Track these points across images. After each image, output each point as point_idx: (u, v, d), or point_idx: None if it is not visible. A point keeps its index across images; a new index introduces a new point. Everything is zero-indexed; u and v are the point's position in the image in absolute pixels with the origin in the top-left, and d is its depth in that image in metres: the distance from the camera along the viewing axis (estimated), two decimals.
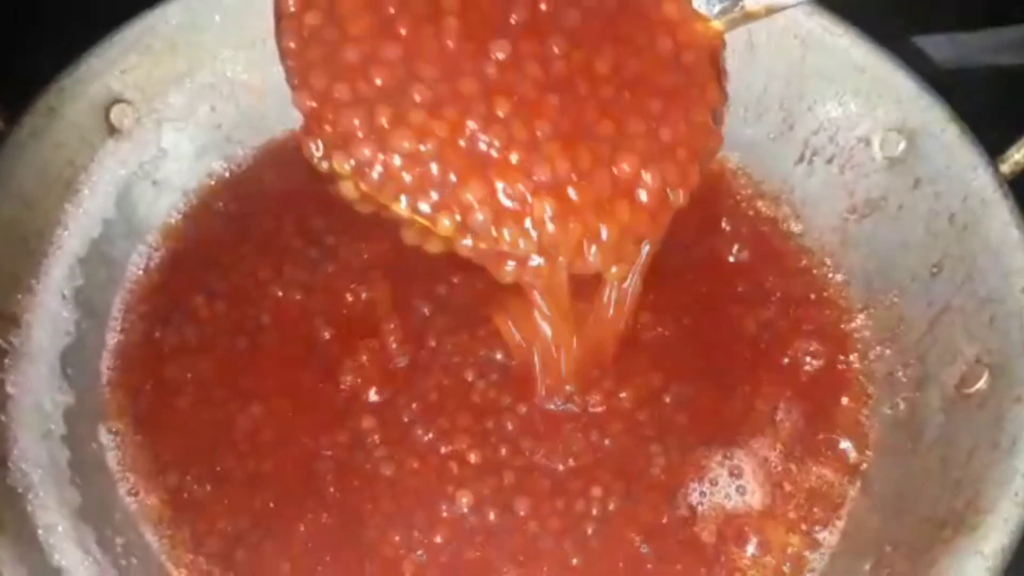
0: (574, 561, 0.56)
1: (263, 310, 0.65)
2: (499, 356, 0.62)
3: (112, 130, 0.66)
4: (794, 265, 0.69)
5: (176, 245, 0.69)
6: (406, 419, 0.60)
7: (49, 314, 0.58)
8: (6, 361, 0.53)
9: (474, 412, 0.60)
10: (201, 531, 0.56)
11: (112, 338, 0.63)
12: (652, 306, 0.64)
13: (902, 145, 0.66)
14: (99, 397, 0.60)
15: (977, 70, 0.86)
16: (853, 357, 0.65)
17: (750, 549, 0.56)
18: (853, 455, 0.60)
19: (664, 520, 0.57)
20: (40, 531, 0.46)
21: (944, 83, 0.66)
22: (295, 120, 0.75)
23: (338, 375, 0.62)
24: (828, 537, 0.57)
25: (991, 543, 0.45)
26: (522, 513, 0.57)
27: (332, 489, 0.58)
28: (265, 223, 0.70)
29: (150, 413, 0.60)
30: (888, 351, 0.64)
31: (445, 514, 0.57)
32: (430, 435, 0.60)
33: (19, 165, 0.59)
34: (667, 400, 0.61)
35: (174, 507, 0.57)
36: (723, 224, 0.71)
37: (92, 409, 0.59)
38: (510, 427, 0.60)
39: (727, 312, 0.66)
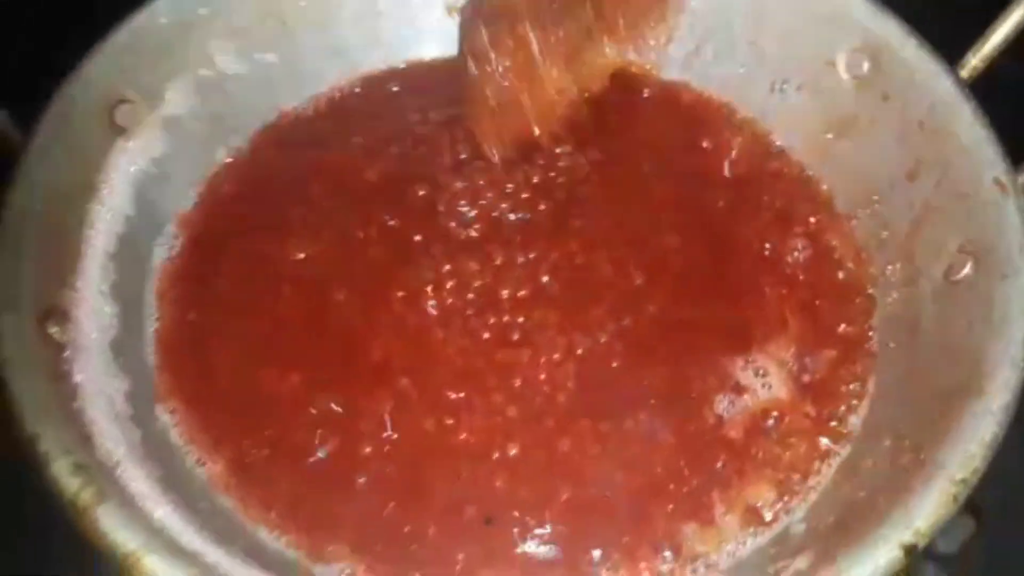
0: (617, 476, 0.60)
1: (281, 281, 0.68)
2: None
3: (119, 130, 0.68)
4: (780, 179, 0.74)
5: (193, 232, 0.71)
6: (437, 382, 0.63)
7: (93, 309, 0.61)
8: (67, 354, 0.56)
9: (500, 375, 0.64)
10: (265, 493, 0.59)
11: (150, 325, 0.66)
12: (650, 227, 0.70)
13: (866, 64, 0.71)
14: (150, 381, 0.62)
15: None
16: (847, 261, 0.70)
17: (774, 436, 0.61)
18: (860, 351, 0.65)
19: (693, 428, 0.61)
20: (136, 498, 0.49)
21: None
22: (285, 102, 0.79)
23: (360, 334, 0.65)
24: (850, 424, 0.62)
25: (997, 401, 0.51)
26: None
27: (378, 445, 0.61)
28: (268, 200, 0.73)
29: (197, 391, 0.63)
30: (877, 253, 0.69)
31: (496, 455, 0.60)
32: (461, 394, 0.63)
33: (44, 171, 0.61)
34: (680, 317, 0.66)
35: (237, 474, 0.59)
36: (705, 144, 0.76)
37: (147, 392, 0.61)
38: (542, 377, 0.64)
39: (723, 225, 0.71)
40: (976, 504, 0.62)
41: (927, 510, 0.47)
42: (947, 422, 0.52)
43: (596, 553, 0.57)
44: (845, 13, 0.72)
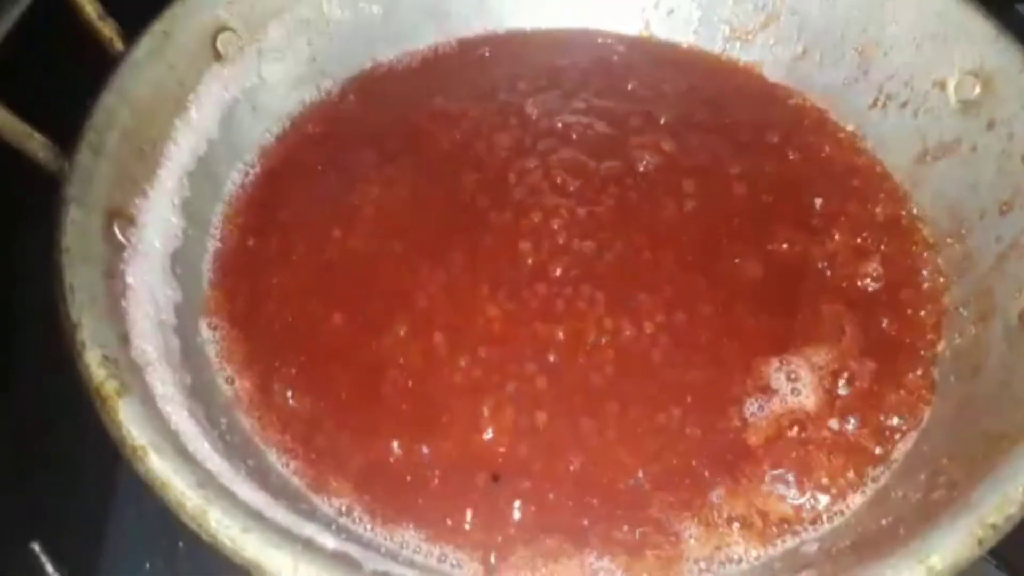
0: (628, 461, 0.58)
1: (342, 224, 0.69)
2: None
3: (218, 56, 0.70)
4: (867, 198, 0.71)
5: (270, 164, 0.73)
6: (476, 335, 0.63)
7: (161, 219, 0.63)
8: (125, 255, 0.58)
9: (537, 345, 0.63)
10: (285, 414, 0.60)
11: (212, 245, 0.68)
12: (722, 230, 0.69)
13: (977, 89, 0.68)
14: (201, 296, 0.64)
15: None
16: (921, 291, 0.66)
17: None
18: (919, 381, 0.61)
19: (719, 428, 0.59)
20: (158, 399, 0.51)
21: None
22: (380, 53, 0.80)
23: (408, 285, 0.66)
24: (894, 454, 0.59)
25: None
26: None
27: (401, 392, 0.61)
28: (347, 145, 0.74)
29: (243, 312, 0.65)
30: (955, 285, 0.65)
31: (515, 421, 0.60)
32: (494, 355, 0.63)
33: (136, 81, 0.64)
34: (733, 322, 0.64)
35: (262, 392, 0.61)
36: (793, 153, 0.74)
37: (195, 306, 0.63)
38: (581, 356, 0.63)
39: (798, 238, 0.68)
40: (1016, 567, 0.58)
41: (947, 547, 0.44)
42: (990, 463, 0.48)
43: (594, 538, 0.55)
44: (964, 33, 0.69)
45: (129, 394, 0.48)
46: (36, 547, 0.63)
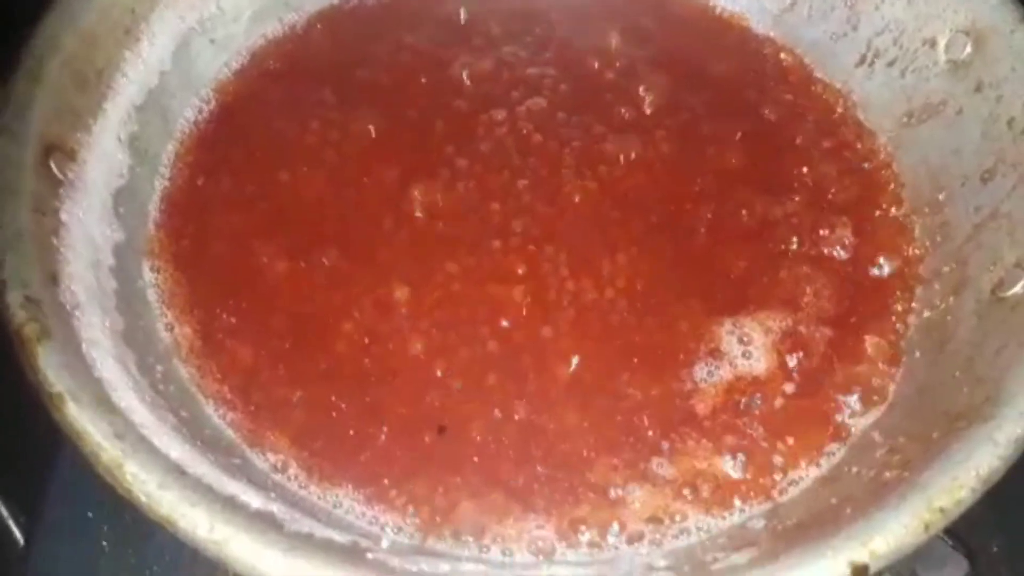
0: (585, 424, 0.57)
1: (295, 165, 0.66)
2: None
3: None
4: (846, 158, 0.68)
5: (226, 100, 0.70)
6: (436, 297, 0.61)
7: (105, 154, 0.60)
8: (61, 191, 0.55)
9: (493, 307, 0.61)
10: (225, 363, 0.58)
11: (160, 183, 0.65)
12: (695, 185, 0.66)
13: (968, 48, 0.64)
14: (146, 236, 0.62)
15: None
16: (895, 259, 0.64)
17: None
18: (884, 354, 0.59)
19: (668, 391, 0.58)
20: (84, 344, 0.48)
21: None
22: None
23: (364, 232, 0.63)
24: (855, 428, 0.57)
25: (1005, 432, 0.45)
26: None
27: (350, 347, 0.59)
28: (306, 84, 0.71)
29: (189, 254, 0.62)
30: (929, 256, 0.63)
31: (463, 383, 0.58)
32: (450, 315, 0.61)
33: (84, 4, 0.60)
34: (697, 283, 0.62)
35: (203, 339, 0.59)
36: (771, 109, 0.71)
37: (139, 247, 0.61)
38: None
39: (769, 197, 0.66)
40: (972, 548, 0.57)
41: (891, 531, 0.42)
42: (944, 444, 0.46)
43: (538, 499, 0.54)
44: None
45: (50, 339, 0.46)
46: None
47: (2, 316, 0.47)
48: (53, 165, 0.56)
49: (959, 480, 0.44)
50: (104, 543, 0.63)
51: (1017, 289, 0.54)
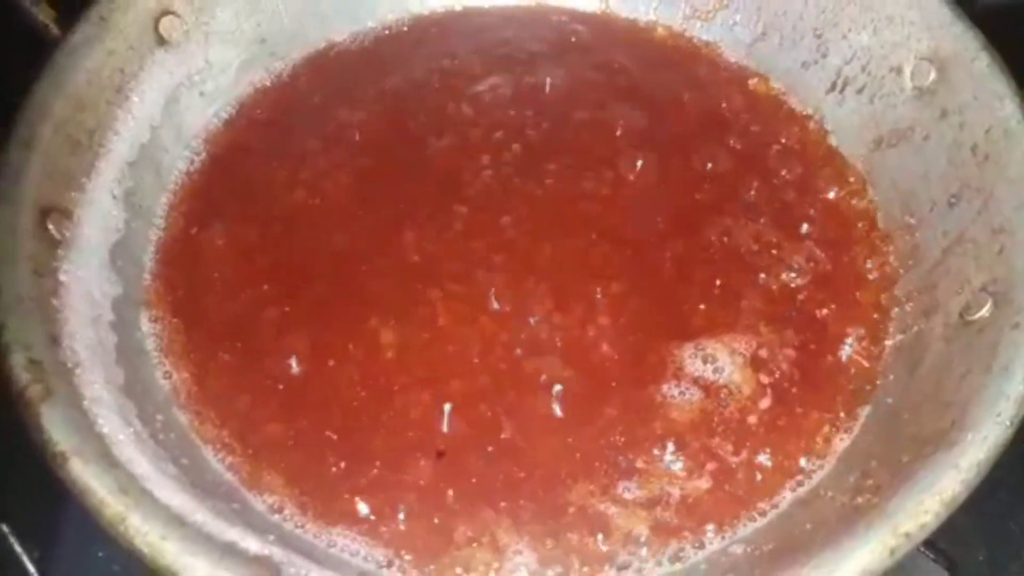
0: (577, 435, 0.59)
1: (285, 213, 0.69)
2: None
3: (161, 41, 0.69)
4: (821, 184, 0.71)
5: (216, 151, 0.73)
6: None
7: (100, 212, 0.62)
8: (59, 252, 0.57)
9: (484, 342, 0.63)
10: (222, 407, 0.60)
11: (155, 234, 0.67)
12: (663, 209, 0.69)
13: (932, 74, 0.66)
14: (142, 287, 0.64)
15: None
16: (870, 283, 0.66)
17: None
18: (860, 376, 0.61)
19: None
20: (86, 402, 0.51)
21: (986, 21, 0.66)
22: (333, 33, 0.79)
23: (351, 278, 0.65)
24: (829, 451, 0.59)
25: (967, 458, 0.47)
26: None
27: (337, 390, 0.61)
28: (295, 131, 0.74)
29: (185, 302, 0.64)
30: (902, 279, 0.65)
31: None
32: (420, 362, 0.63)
33: (72, 70, 0.63)
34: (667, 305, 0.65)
35: (200, 384, 0.61)
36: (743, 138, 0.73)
37: (136, 298, 0.63)
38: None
39: (742, 219, 0.68)
40: (953, 559, 0.59)
41: (858, 558, 0.44)
42: (912, 469, 0.48)
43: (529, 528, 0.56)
44: (921, 17, 0.67)
45: (52, 398, 0.48)
46: (4, 527, 0.64)
47: (5, 377, 0.49)
48: (51, 226, 0.58)
49: (924, 505, 0.45)
50: None
51: (983, 313, 0.55)
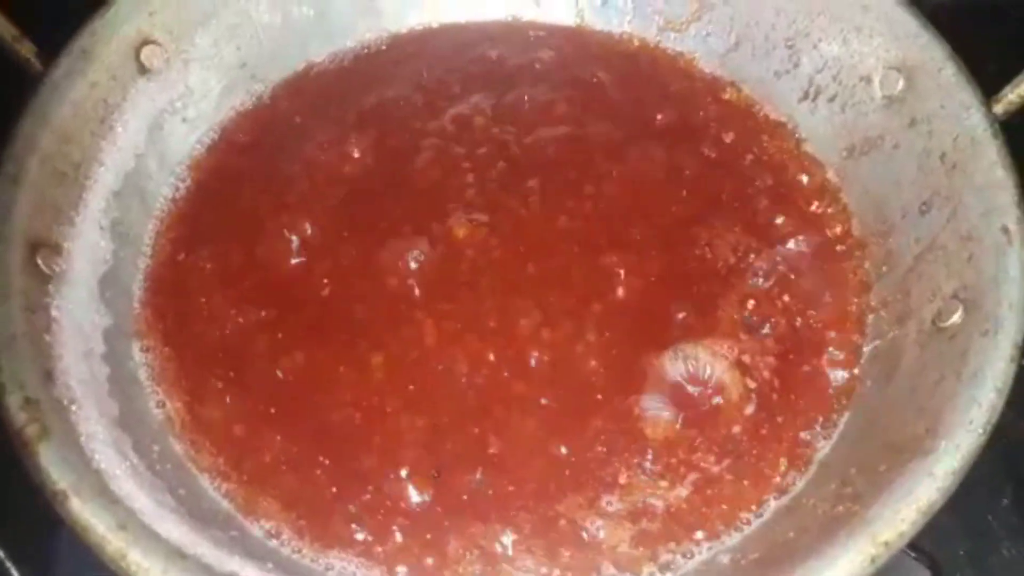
0: (563, 449, 0.61)
1: (270, 236, 0.69)
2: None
3: (143, 70, 0.70)
4: (794, 191, 0.72)
5: (201, 176, 0.73)
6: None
7: (88, 244, 0.63)
8: (50, 287, 0.58)
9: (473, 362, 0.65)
10: (216, 435, 0.61)
11: (143, 263, 0.68)
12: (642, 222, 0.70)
13: (900, 84, 0.68)
14: (133, 316, 0.65)
15: (977, 5, 0.87)
16: (848, 290, 0.67)
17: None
18: (836, 386, 0.63)
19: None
20: (83, 438, 0.52)
21: (943, 20, 0.67)
22: (312, 53, 0.79)
23: (337, 300, 0.67)
24: (811, 460, 0.60)
25: (942, 466, 0.48)
26: None
27: (327, 413, 0.63)
28: (277, 153, 0.74)
29: (175, 330, 0.65)
30: (876, 285, 0.66)
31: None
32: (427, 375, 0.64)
33: (56, 103, 0.63)
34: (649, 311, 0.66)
35: (193, 413, 0.62)
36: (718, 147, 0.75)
37: (127, 328, 0.64)
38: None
39: (717, 223, 0.70)
40: (934, 555, 0.60)
41: (839, 568, 0.46)
42: (889, 477, 0.50)
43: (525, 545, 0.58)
44: (889, 28, 0.69)
45: (49, 438, 0.49)
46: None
47: (2, 417, 0.50)
48: (40, 262, 0.59)
49: (901, 514, 0.47)
50: None
51: (955, 319, 0.57)
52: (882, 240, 0.67)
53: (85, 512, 0.47)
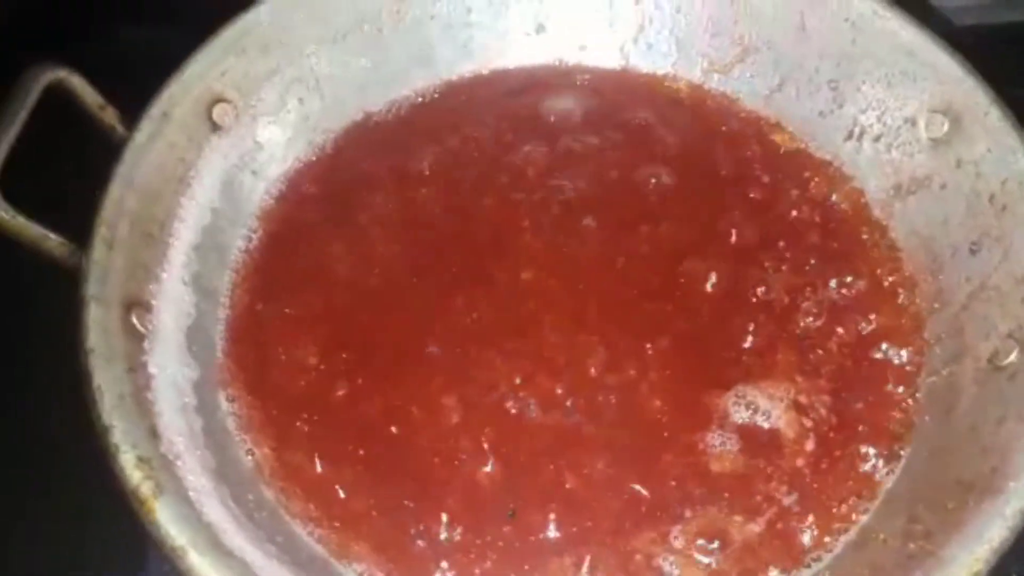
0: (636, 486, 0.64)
1: (341, 285, 0.72)
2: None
3: (215, 127, 0.73)
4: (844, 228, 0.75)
5: (272, 227, 0.76)
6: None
7: (174, 299, 0.66)
8: (145, 345, 0.61)
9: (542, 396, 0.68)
10: (305, 480, 0.64)
11: (223, 313, 0.71)
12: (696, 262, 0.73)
13: (946, 126, 0.70)
14: (217, 367, 0.68)
15: (994, 28, 0.89)
16: (899, 323, 0.70)
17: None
18: (895, 422, 0.65)
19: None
20: (191, 492, 0.54)
21: (964, 42, 0.70)
22: (370, 103, 0.82)
23: (412, 344, 0.69)
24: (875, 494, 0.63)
25: (1012, 506, 0.51)
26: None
27: (408, 455, 0.65)
28: (345, 202, 0.77)
29: (257, 378, 0.68)
30: (930, 321, 0.69)
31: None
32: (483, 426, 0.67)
33: (141, 165, 0.66)
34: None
35: (281, 461, 0.64)
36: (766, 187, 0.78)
37: (212, 379, 0.66)
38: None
39: (767, 261, 0.73)
40: None
41: None
42: (960, 516, 0.53)
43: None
44: (933, 72, 0.71)
45: (164, 494, 0.52)
46: None
47: (118, 478, 0.53)
48: (135, 321, 0.62)
49: (976, 554, 0.50)
50: None
51: (1012, 359, 0.60)
52: (932, 277, 0.70)
53: (204, 566, 0.50)
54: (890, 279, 0.72)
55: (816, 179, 0.78)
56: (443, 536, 0.62)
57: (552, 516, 0.63)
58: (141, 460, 0.53)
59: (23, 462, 0.73)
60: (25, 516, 0.72)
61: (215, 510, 0.55)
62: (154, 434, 0.56)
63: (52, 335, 0.59)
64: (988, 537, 0.50)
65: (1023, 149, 0.65)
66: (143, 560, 0.67)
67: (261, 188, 0.77)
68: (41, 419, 0.72)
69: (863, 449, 0.65)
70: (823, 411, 0.66)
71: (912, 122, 0.73)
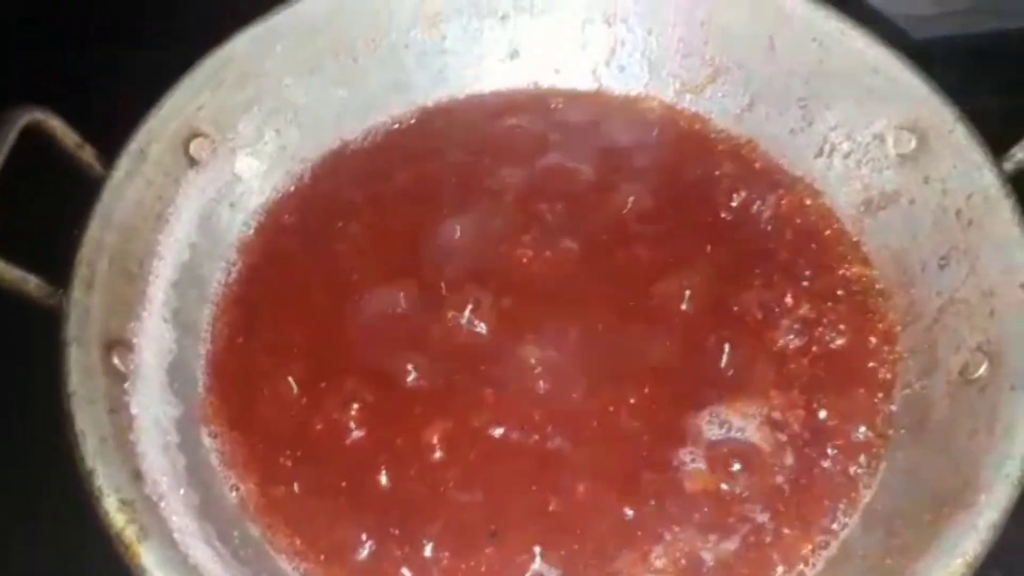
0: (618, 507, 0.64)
1: (322, 314, 0.73)
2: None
3: (192, 162, 0.73)
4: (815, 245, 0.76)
5: (250, 259, 0.77)
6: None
7: (155, 336, 0.66)
8: (127, 385, 0.61)
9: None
10: (289, 514, 0.64)
11: (204, 348, 0.71)
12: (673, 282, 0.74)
13: (913, 143, 0.72)
14: (198, 403, 0.68)
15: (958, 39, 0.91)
16: (871, 336, 0.71)
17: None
18: (871, 436, 0.66)
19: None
20: (176, 534, 0.55)
21: (921, 55, 0.72)
22: (346, 131, 0.83)
23: (396, 373, 0.70)
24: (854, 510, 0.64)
25: (984, 518, 0.52)
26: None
27: (392, 484, 0.66)
28: (322, 232, 0.78)
29: (239, 413, 0.68)
30: (902, 335, 0.70)
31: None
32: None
33: (119, 204, 0.67)
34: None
35: (266, 495, 0.65)
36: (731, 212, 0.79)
37: (194, 415, 0.67)
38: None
39: (743, 280, 0.74)
40: None
41: None
42: (935, 529, 0.54)
43: None
44: (898, 90, 0.72)
45: (149, 537, 0.52)
46: None
47: (102, 521, 0.53)
48: (116, 360, 0.62)
49: (950, 568, 0.51)
50: None
51: (981, 372, 0.61)
52: (904, 292, 0.71)
53: None
54: (863, 294, 0.73)
55: (788, 196, 0.79)
56: (429, 559, 0.63)
57: (535, 540, 0.64)
58: (124, 503, 0.53)
59: (23, 462, 0.74)
60: (25, 516, 0.72)
61: (200, 551, 0.55)
62: (137, 476, 0.56)
63: (51, 336, 0.60)
64: (962, 551, 0.51)
65: (988, 165, 0.66)
66: None
67: (239, 220, 0.78)
68: (41, 419, 0.72)
69: (840, 464, 0.66)
70: (796, 427, 0.67)
71: (881, 139, 0.74)
